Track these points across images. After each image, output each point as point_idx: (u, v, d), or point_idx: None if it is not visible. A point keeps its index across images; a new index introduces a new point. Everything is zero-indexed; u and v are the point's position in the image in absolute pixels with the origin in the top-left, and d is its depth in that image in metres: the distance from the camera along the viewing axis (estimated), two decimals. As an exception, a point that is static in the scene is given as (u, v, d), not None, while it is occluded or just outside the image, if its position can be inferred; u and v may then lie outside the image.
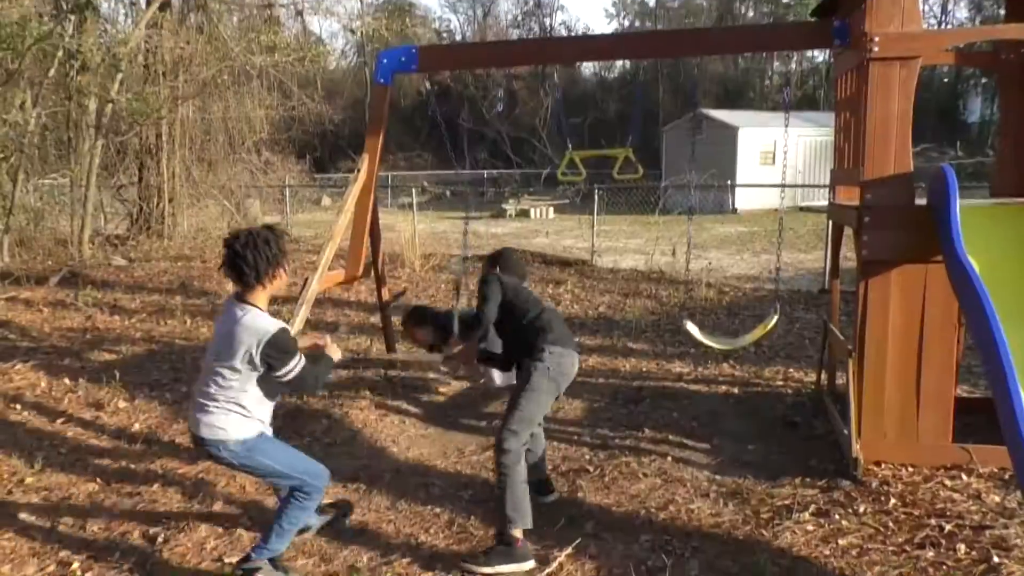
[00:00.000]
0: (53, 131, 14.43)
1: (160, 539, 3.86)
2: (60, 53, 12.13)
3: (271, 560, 3.41)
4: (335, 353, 3.64)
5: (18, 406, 5.88)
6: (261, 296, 3.32)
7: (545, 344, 3.86)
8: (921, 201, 4.52)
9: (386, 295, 6.73)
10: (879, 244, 4.45)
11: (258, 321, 3.22)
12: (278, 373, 3.25)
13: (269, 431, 3.46)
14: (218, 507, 4.21)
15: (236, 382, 3.24)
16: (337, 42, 47.50)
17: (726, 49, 6.66)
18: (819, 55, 37.94)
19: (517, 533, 3.60)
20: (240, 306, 3.26)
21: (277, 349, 3.21)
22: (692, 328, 6.20)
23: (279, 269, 3.33)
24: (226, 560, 3.67)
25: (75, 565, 3.62)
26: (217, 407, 3.26)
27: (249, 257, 3.21)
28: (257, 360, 3.19)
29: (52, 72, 12.52)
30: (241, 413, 3.28)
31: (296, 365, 3.28)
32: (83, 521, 4.07)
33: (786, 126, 6.24)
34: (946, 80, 38.02)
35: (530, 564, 3.57)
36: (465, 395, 6.28)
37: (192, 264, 12.94)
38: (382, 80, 5.90)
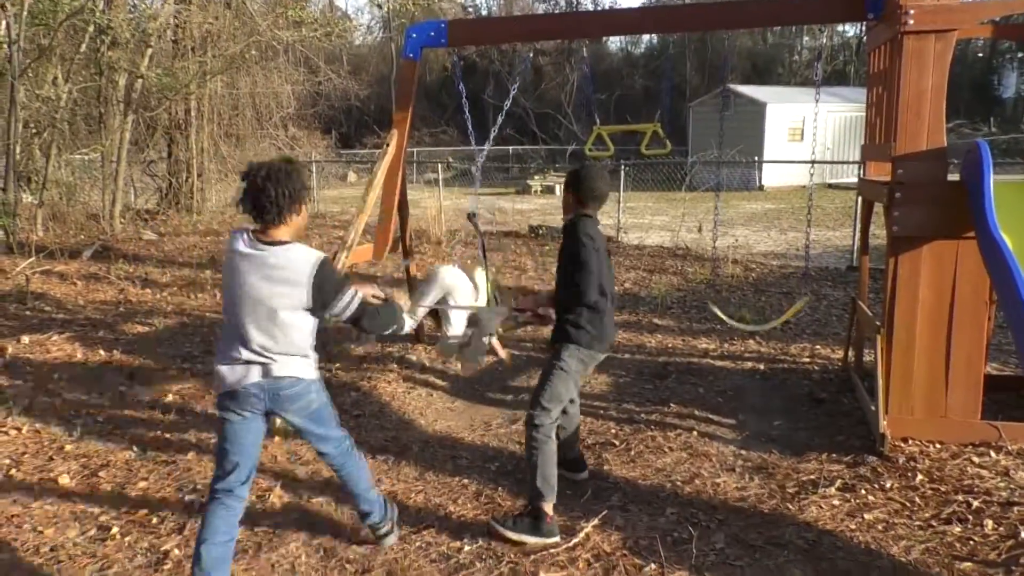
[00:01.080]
0: (84, 106, 14.61)
1: (196, 506, 3.95)
2: (91, 28, 12.26)
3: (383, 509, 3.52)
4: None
5: (56, 376, 6.01)
6: (284, 234, 3.03)
7: (587, 340, 3.75)
8: (953, 177, 4.48)
9: (413, 270, 6.79)
10: (910, 220, 4.42)
11: (305, 263, 2.98)
12: (334, 311, 3.08)
13: None
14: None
15: (296, 327, 3.03)
16: (363, 17, 47.48)
17: (756, 22, 6.59)
18: (850, 29, 37.32)
19: (547, 508, 3.65)
20: (268, 248, 2.97)
21: (333, 285, 3.04)
22: (716, 311, 6.25)
23: (301, 205, 3.03)
24: (257, 528, 3.76)
25: (115, 529, 3.73)
26: (282, 355, 3.03)
27: (271, 191, 2.92)
28: (311, 297, 2.99)
29: (83, 47, 12.67)
30: (306, 358, 3.13)
31: (353, 299, 3.11)
32: (121, 488, 4.18)
33: (817, 101, 6.18)
34: (980, 54, 37.24)
35: (555, 539, 3.62)
36: (491, 369, 6.33)
37: (221, 239, 13.08)
38: (411, 55, 5.92)
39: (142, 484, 4.23)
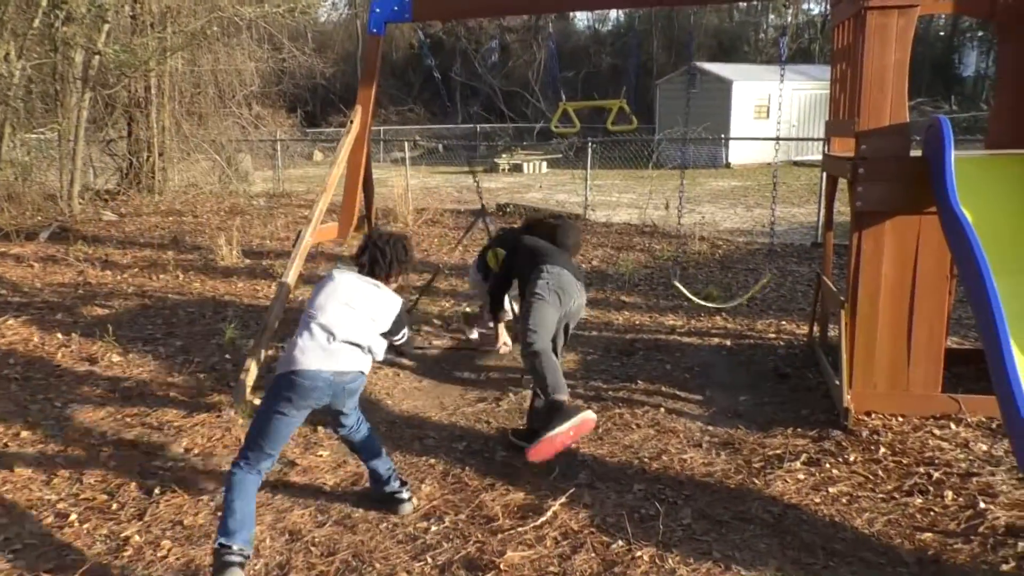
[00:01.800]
0: (39, 84, 14.21)
1: (156, 491, 3.88)
2: (44, 3, 11.90)
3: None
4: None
5: (11, 360, 5.87)
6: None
7: (544, 264, 4.21)
8: (916, 153, 4.50)
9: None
10: (873, 195, 4.45)
11: (395, 302, 3.65)
12: (395, 338, 3.71)
13: None
14: (215, 460, 4.24)
15: (372, 335, 3.54)
16: (327, -7, 46.63)
17: (722, -1, 6.55)
18: (815, 6, 37.51)
19: (564, 398, 3.87)
20: (377, 283, 3.64)
21: (400, 323, 3.68)
22: (681, 288, 6.29)
23: (401, 275, 3.77)
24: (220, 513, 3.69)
25: (73, 517, 3.65)
26: (356, 347, 3.48)
27: (388, 253, 3.66)
28: (389, 326, 3.62)
29: (36, 23, 12.28)
30: (369, 355, 3.57)
31: (405, 334, 3.79)
32: (79, 474, 4.09)
33: (781, 78, 6.18)
34: (942, 33, 37.61)
35: (588, 413, 3.89)
36: (458, 349, 6.29)
37: (184, 219, 12.88)
38: (375, 30, 5.82)
39: (101, 470, 4.14)
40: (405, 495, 3.72)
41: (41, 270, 9.05)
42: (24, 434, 4.60)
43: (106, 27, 13.03)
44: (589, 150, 13.30)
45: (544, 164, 23.44)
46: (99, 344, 6.21)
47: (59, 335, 6.48)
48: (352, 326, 3.47)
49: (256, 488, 3.31)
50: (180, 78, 15.85)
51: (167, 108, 15.41)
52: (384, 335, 3.63)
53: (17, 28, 12.34)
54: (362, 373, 3.54)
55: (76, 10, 12.39)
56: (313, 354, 3.36)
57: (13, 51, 12.29)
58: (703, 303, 6.38)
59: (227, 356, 5.95)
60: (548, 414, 3.87)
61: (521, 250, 4.50)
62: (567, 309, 4.19)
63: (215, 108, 16.72)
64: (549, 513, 3.63)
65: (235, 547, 3.10)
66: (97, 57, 13.01)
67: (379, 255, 3.67)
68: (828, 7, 6.14)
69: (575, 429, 3.83)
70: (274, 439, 3.33)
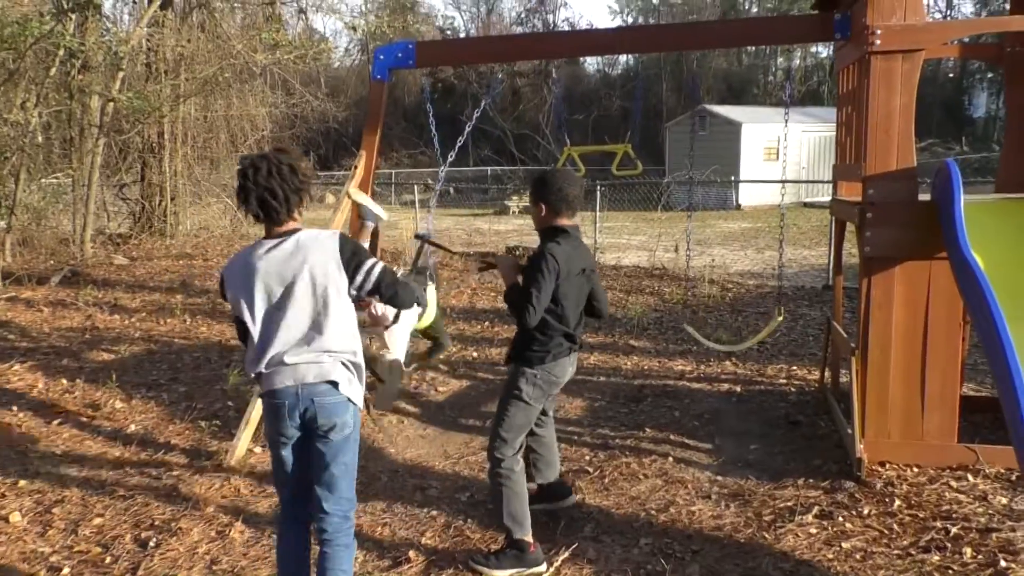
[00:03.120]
0: (56, 130, 14.41)
1: (152, 543, 3.80)
2: (61, 52, 12.09)
3: None
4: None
5: (14, 407, 5.83)
6: (292, 226, 2.87)
7: (542, 364, 3.51)
8: (924, 197, 4.45)
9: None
10: (882, 241, 4.38)
11: (329, 238, 2.82)
12: (358, 280, 2.82)
13: None
14: (211, 510, 4.16)
15: (344, 319, 2.83)
16: (340, 40, 47.43)
17: (725, 42, 6.59)
18: (823, 50, 37.74)
19: (527, 537, 3.52)
20: (282, 238, 2.81)
21: (358, 255, 2.83)
22: (692, 332, 6.20)
23: (306, 198, 2.87)
24: (216, 567, 3.61)
25: (65, 571, 3.57)
26: (332, 360, 2.81)
27: (277, 189, 2.76)
28: (343, 268, 2.79)
29: (54, 71, 12.49)
30: (356, 369, 2.88)
31: (375, 265, 2.85)
32: (75, 525, 4.02)
33: (786, 121, 6.16)
34: (951, 75, 37.79)
35: (542, 568, 3.50)
36: (464, 395, 6.22)
37: (194, 262, 12.91)
38: (379, 76, 5.83)
39: (97, 521, 4.07)
40: None
41: (50, 314, 9.05)
42: (22, 483, 4.53)
43: (121, 75, 13.24)
44: (598, 193, 13.30)
45: (554, 206, 23.39)
46: (103, 391, 6.16)
47: (64, 381, 6.45)
48: (310, 327, 2.78)
49: (295, 543, 2.99)
50: (193, 123, 16.06)
51: (180, 153, 15.59)
52: (350, 286, 2.83)
53: (35, 76, 12.54)
54: (336, 384, 2.81)
55: (93, 59, 12.59)
56: (278, 373, 2.80)
57: (32, 99, 12.47)
58: (715, 345, 6.28)
59: (230, 403, 5.89)
60: (509, 552, 3.51)
61: (567, 292, 3.49)
62: (552, 395, 3.74)
63: (227, 152, 16.90)
64: (552, 568, 3.52)
65: None
66: (112, 104, 13.19)
67: (269, 196, 2.76)
68: (834, 51, 6.17)
69: None
70: (281, 472, 2.93)
